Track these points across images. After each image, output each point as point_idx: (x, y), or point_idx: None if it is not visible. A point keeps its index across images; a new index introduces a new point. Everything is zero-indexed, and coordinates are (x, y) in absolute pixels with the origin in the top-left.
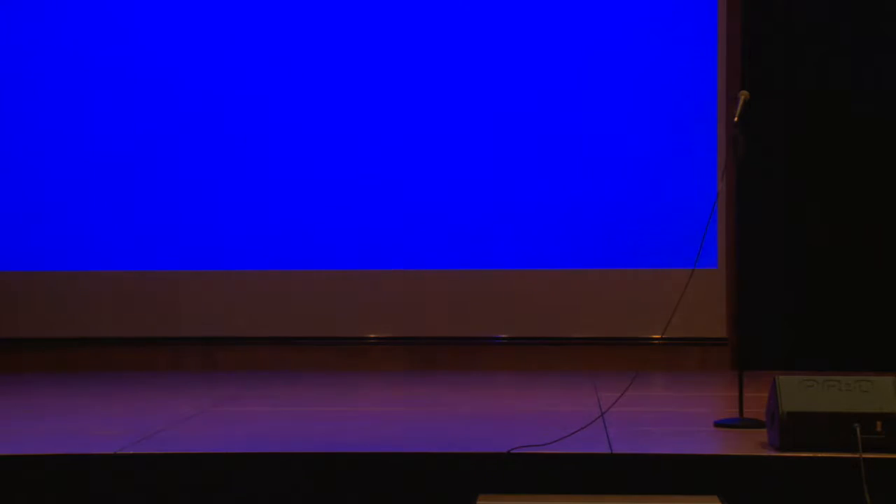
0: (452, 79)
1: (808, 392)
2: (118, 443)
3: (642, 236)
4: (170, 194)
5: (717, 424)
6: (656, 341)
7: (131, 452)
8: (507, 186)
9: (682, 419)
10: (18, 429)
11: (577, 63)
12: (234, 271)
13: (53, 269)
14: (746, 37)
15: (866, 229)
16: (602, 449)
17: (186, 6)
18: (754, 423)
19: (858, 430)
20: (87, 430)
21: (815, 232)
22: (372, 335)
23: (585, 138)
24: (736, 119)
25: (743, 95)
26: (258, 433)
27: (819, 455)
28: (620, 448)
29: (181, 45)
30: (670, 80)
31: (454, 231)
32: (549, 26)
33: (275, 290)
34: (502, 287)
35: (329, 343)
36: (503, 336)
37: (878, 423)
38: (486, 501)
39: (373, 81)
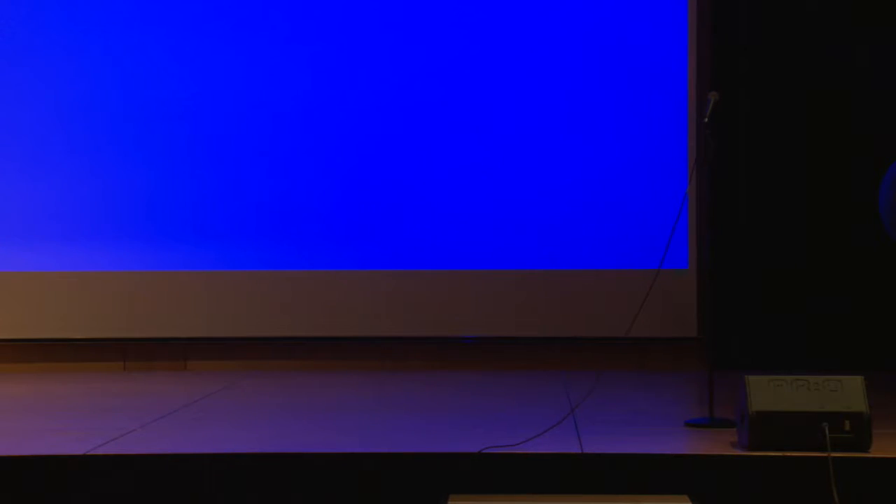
0: (416, 81)
1: (777, 391)
2: (90, 443)
3: (615, 236)
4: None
5: (688, 424)
6: (627, 341)
7: (102, 453)
8: (474, 189)
9: (652, 419)
10: None
11: (544, 64)
12: (223, 272)
13: (30, 269)
14: (717, 34)
15: (837, 228)
16: (573, 448)
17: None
18: (724, 423)
19: (827, 429)
20: (60, 431)
21: (784, 231)
22: (342, 335)
23: (554, 139)
24: (706, 119)
25: (713, 96)
26: (228, 437)
27: (788, 454)
28: (591, 448)
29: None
30: (641, 81)
31: (423, 232)
32: (516, 28)
33: (255, 291)
34: (472, 287)
35: (300, 342)
36: (473, 336)
37: (847, 423)
38: (456, 502)
39: (361, 82)
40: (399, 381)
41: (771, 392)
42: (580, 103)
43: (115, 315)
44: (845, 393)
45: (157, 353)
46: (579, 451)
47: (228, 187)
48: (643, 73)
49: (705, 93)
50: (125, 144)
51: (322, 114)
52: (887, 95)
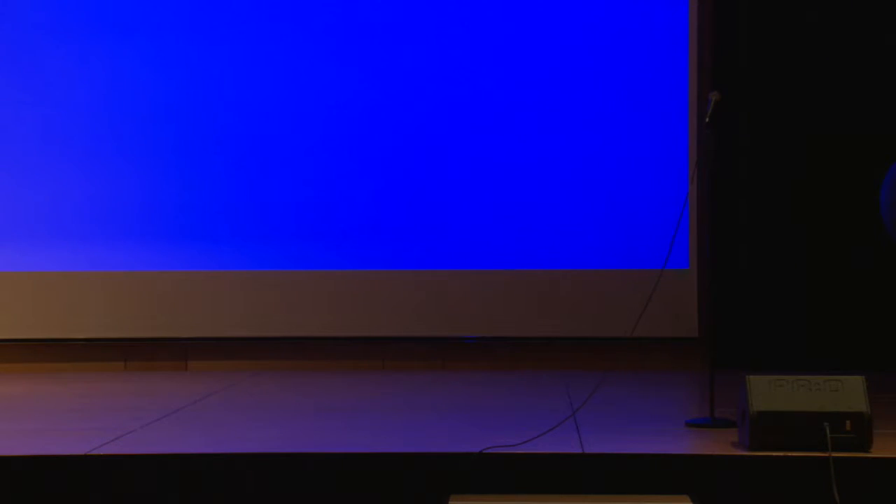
0: (418, 82)
1: (778, 391)
2: (90, 443)
3: (615, 236)
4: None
5: (688, 424)
6: (628, 341)
7: (102, 453)
8: (475, 189)
9: (653, 419)
10: None
11: (545, 65)
12: (223, 272)
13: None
14: (718, 36)
15: (837, 228)
16: (574, 449)
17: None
18: (725, 423)
19: (828, 429)
20: (61, 431)
21: (785, 231)
22: (342, 335)
23: (556, 140)
24: (707, 119)
25: (714, 96)
26: (229, 437)
27: (789, 454)
28: (592, 448)
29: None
30: (642, 81)
31: (423, 232)
32: (520, 29)
33: (255, 291)
34: (472, 287)
35: (300, 342)
36: (473, 336)
37: (848, 423)
38: (458, 502)
39: (361, 82)
40: (399, 381)
41: (772, 392)
42: (581, 104)
43: (115, 315)
44: (846, 393)
45: (157, 353)
46: (580, 451)
47: (229, 188)
48: (644, 74)
49: (706, 93)
50: (125, 145)
51: (323, 114)
52: (888, 94)
